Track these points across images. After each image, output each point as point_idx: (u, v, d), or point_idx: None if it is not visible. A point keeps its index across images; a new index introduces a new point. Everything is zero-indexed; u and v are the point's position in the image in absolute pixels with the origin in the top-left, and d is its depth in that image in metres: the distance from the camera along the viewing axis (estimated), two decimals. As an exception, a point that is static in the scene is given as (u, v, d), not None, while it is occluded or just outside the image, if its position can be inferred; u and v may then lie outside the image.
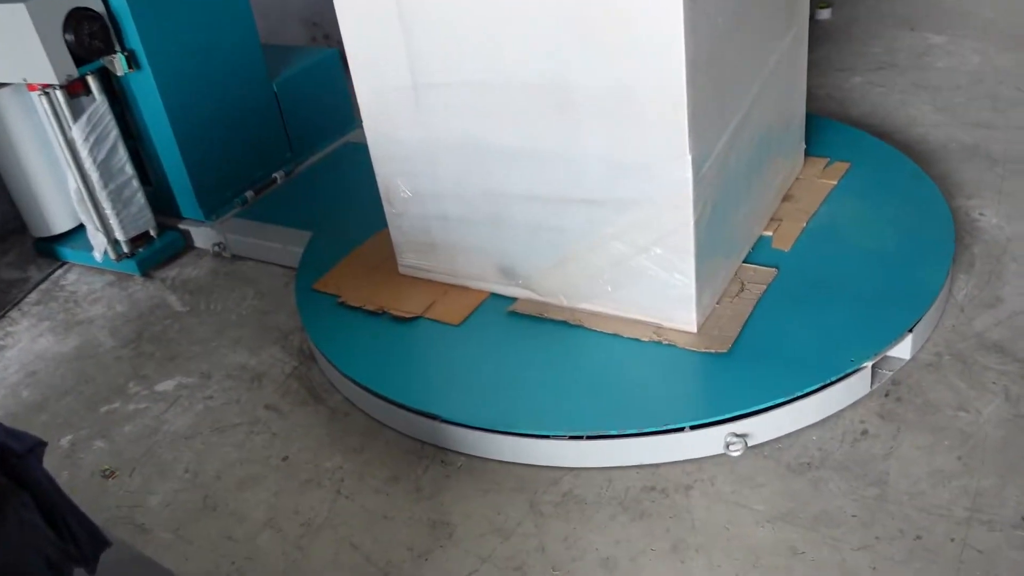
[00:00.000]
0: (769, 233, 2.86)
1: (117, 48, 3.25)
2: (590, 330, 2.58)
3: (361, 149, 4.06)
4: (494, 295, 2.79)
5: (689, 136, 2.22)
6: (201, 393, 2.84)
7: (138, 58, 3.30)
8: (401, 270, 2.96)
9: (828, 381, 2.29)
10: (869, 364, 2.34)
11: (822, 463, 2.22)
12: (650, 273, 2.45)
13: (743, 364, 2.38)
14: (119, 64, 3.26)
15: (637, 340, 2.51)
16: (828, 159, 3.22)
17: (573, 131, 2.38)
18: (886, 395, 2.38)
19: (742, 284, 2.66)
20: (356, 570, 2.15)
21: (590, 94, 2.30)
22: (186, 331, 3.15)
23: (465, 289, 2.84)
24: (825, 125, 3.46)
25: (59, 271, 3.63)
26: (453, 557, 2.13)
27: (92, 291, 3.48)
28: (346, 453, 2.50)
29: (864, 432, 2.28)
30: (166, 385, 2.90)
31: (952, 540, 1.99)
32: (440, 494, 2.31)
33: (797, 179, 3.13)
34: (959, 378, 2.39)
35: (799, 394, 2.27)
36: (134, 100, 3.42)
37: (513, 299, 2.75)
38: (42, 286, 3.55)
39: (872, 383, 2.38)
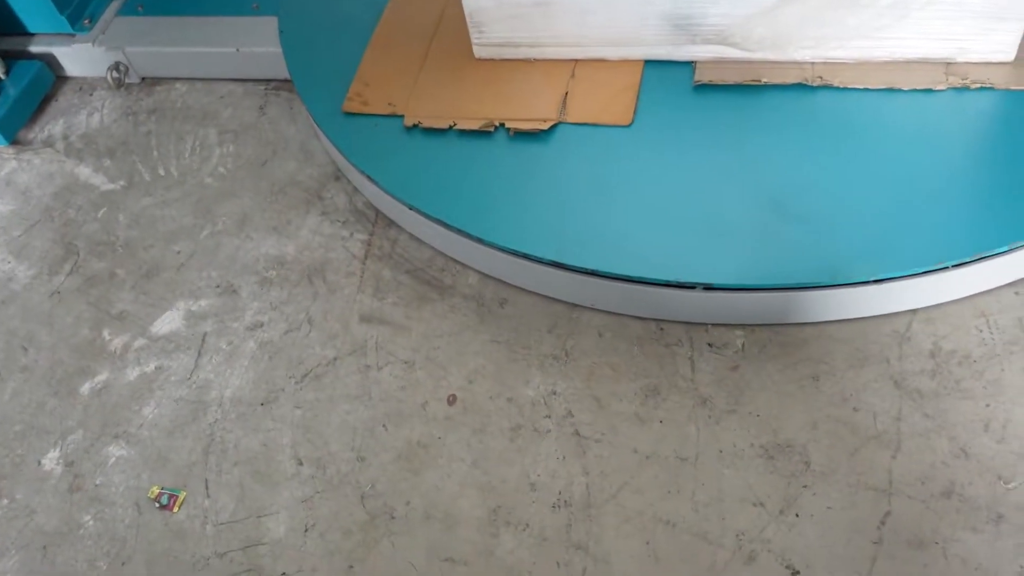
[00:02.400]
0: None
1: None
2: (844, 89, 1.69)
3: None
4: (649, 66, 1.81)
5: None
6: (239, 322, 1.78)
7: None
8: (479, 53, 1.88)
9: None
10: None
11: None
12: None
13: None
14: None
15: (928, 91, 1.66)
16: None
17: None
18: None
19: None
20: (692, 562, 1.37)
21: None
22: (144, 221, 1.98)
23: (599, 64, 1.83)
24: None
25: None
26: (839, 497, 1.38)
27: (-63, 188, 2.15)
28: (544, 367, 1.60)
29: None
30: (170, 322, 1.80)
31: None
32: (745, 401, 1.50)
33: None
34: None
35: None
36: None
37: (682, 66, 1.78)
38: None
39: None
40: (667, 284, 1.54)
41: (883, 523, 1.35)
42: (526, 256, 1.62)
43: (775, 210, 1.56)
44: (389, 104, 1.85)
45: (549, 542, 1.42)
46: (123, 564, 1.50)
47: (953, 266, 1.48)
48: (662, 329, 1.61)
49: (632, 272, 1.55)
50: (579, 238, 1.60)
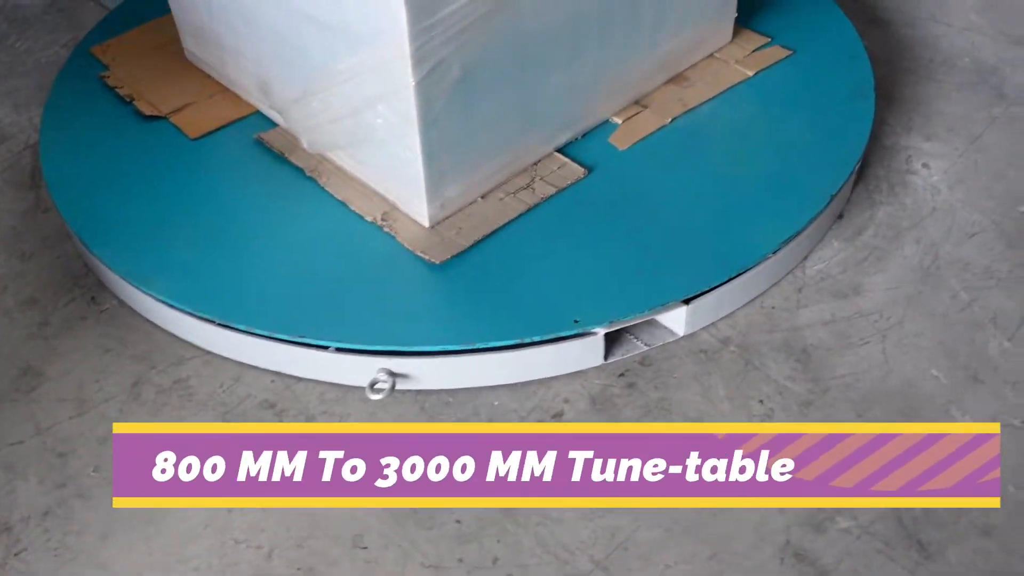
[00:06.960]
0: (618, 120, 2.17)
1: None
2: (321, 189, 2.03)
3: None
4: (260, 114, 2.25)
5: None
6: (-66, 143, 2.48)
7: None
8: (188, 56, 2.43)
9: (533, 339, 1.72)
10: (601, 331, 1.74)
11: (484, 439, 1.70)
12: (379, 135, 1.86)
13: (450, 286, 1.82)
14: None
15: (361, 218, 1.96)
16: (769, 39, 2.40)
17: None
18: (621, 375, 1.79)
19: (532, 180, 2.02)
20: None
21: None
22: (-25, 67, 2.76)
23: (237, 98, 2.30)
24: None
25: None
26: (9, 419, 1.77)
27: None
28: (12, 258, 2.11)
29: (558, 415, 1.73)
30: None
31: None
32: (61, 336, 1.92)
33: (711, 57, 2.35)
34: (726, 380, 1.77)
35: (492, 345, 1.71)
36: None
37: (275, 125, 2.21)
38: None
39: (609, 355, 1.79)
40: (80, 240, 2.00)
41: (11, 445, 1.72)
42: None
43: (213, 242, 1.96)
44: (114, 59, 2.44)
45: None
46: None
47: (218, 323, 1.80)
48: (88, 274, 2.06)
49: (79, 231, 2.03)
50: (84, 199, 2.09)
